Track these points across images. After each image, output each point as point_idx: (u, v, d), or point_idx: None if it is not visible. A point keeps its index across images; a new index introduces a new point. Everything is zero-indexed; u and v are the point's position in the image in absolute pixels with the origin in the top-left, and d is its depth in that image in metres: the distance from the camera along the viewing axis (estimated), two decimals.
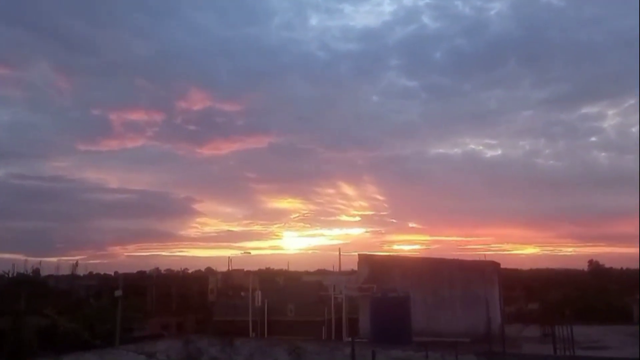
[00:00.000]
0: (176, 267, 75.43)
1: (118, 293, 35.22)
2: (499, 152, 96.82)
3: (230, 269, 60.54)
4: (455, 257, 30.58)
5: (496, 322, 23.73)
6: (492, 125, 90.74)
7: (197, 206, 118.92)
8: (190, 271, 73.99)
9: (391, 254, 35.55)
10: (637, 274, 61.69)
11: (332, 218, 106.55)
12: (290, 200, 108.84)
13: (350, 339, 24.89)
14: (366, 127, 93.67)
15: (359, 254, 25.98)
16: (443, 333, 23.04)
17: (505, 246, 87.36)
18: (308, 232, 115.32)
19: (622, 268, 63.77)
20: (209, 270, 73.71)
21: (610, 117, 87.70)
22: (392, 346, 17.17)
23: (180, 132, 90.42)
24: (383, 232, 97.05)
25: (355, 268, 42.71)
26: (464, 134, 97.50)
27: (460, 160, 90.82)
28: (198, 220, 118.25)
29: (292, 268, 75.84)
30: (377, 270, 24.87)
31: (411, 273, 24.67)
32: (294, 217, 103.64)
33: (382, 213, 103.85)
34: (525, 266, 73.06)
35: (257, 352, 13.81)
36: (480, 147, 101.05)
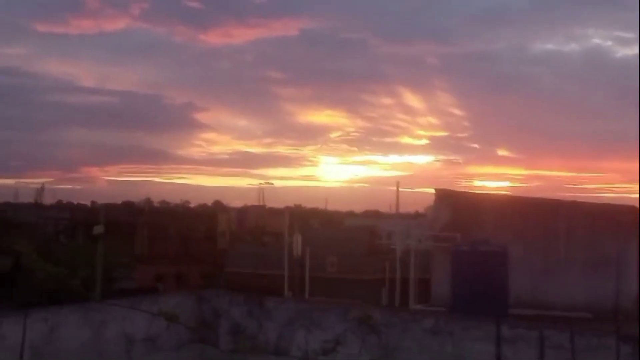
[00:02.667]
0: (174, 199, 76.72)
1: (98, 229, 35.82)
2: (636, 50, 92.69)
3: (251, 204, 60.75)
4: (571, 199, 29.65)
5: (630, 294, 23.12)
6: (630, 10, 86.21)
7: (201, 116, 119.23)
8: (192, 205, 75.20)
9: (479, 192, 34.78)
10: None
11: (389, 139, 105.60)
12: (329, 112, 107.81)
13: (420, 306, 24.71)
14: (442, 9, 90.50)
15: (436, 190, 25.33)
16: (552, 305, 22.57)
17: (632, 186, 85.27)
18: (354, 159, 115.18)
19: None
20: (218, 204, 74.77)
21: None
22: (484, 319, 16.65)
23: (179, 11, 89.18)
24: (460, 161, 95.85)
25: (421, 210, 41.77)
26: (586, 23, 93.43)
27: (579, 60, 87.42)
28: (203, 136, 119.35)
29: (330, 207, 76.27)
30: (461, 213, 24.22)
31: (510, 219, 24.00)
32: (334, 137, 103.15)
33: (460, 135, 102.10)
34: None
35: (299, 317, 13.41)
36: (609, 43, 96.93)
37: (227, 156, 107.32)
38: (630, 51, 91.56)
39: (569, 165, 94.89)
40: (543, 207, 24.78)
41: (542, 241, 23.74)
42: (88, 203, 65.79)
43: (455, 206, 24.52)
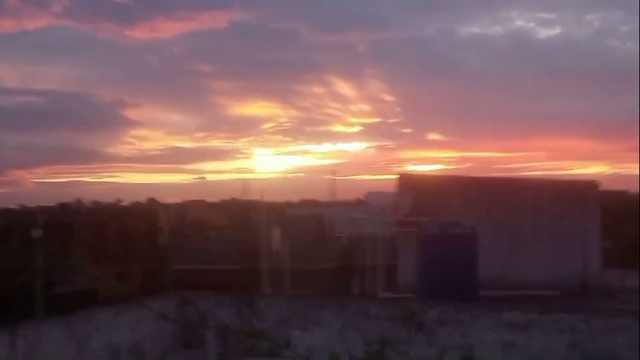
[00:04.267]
0: (106, 199, 74.12)
1: (37, 233, 33.92)
2: (557, 30, 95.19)
3: (188, 199, 59.35)
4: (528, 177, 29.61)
5: (595, 269, 23.15)
6: None
7: (130, 113, 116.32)
8: (126, 204, 72.82)
9: (441, 174, 34.51)
10: None
11: (323, 128, 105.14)
12: (262, 104, 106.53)
13: (389, 293, 24.11)
14: None
15: (400, 174, 24.77)
16: (522, 284, 22.32)
17: (562, 164, 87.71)
18: (288, 149, 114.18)
19: None
20: (153, 201, 72.67)
21: None
22: (459, 304, 16.16)
23: (103, 7, 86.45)
24: (393, 147, 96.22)
25: (361, 197, 41.12)
26: (509, 5, 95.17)
27: (503, 43, 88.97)
28: (133, 133, 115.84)
29: (267, 198, 74.81)
30: (425, 196, 23.66)
31: (474, 200, 23.61)
32: (268, 128, 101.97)
33: (391, 120, 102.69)
34: None
35: (293, 315, 12.56)
36: (531, 25, 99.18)
37: (159, 152, 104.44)
38: (552, 32, 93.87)
39: (498, 146, 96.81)
40: (507, 186, 24.56)
41: (508, 220, 23.43)
42: (16, 206, 62.69)
43: (418, 190, 23.95)
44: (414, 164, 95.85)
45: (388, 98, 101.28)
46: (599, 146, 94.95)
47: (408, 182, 24.25)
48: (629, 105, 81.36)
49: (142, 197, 77.33)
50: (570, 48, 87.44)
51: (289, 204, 73.33)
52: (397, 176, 24.58)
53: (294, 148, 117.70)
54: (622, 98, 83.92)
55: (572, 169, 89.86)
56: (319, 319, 12.50)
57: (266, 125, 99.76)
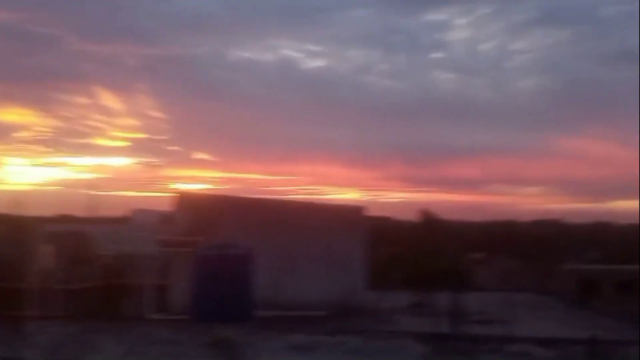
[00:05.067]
0: None
1: None
2: (323, 63, 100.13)
3: None
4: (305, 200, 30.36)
5: (357, 290, 24.25)
6: (317, 27, 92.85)
7: None
8: None
9: (222, 194, 34.16)
10: (476, 228, 69.61)
11: (85, 141, 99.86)
12: (18, 110, 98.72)
13: (160, 315, 23.22)
14: (142, 11, 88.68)
15: (178, 193, 24.13)
16: (292, 304, 22.77)
17: (320, 188, 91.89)
18: (46, 160, 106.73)
19: (459, 220, 71.03)
20: None
21: (459, 28, 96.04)
22: (234, 325, 16.26)
23: None
24: (159, 164, 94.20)
25: (127, 214, 39.82)
26: (279, 35, 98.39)
27: (271, 69, 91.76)
28: None
29: (20, 211, 69.41)
30: (202, 215, 23.29)
31: (250, 221, 23.67)
32: (24, 137, 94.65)
33: (159, 137, 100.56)
34: None
35: (69, 341, 11.68)
36: (300, 55, 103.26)
37: None
38: (320, 63, 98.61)
39: (262, 168, 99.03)
40: (280, 208, 24.91)
41: (280, 241, 23.73)
42: None
43: (195, 209, 23.53)
44: (181, 182, 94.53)
45: (156, 114, 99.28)
46: (355, 174, 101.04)
47: (184, 201, 23.75)
48: (381, 137, 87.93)
49: None
50: (334, 80, 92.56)
51: (45, 219, 68.43)
52: (174, 194, 23.96)
53: (53, 159, 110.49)
54: (375, 130, 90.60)
55: (328, 194, 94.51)
56: (97, 344, 11.65)
57: (21, 134, 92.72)
